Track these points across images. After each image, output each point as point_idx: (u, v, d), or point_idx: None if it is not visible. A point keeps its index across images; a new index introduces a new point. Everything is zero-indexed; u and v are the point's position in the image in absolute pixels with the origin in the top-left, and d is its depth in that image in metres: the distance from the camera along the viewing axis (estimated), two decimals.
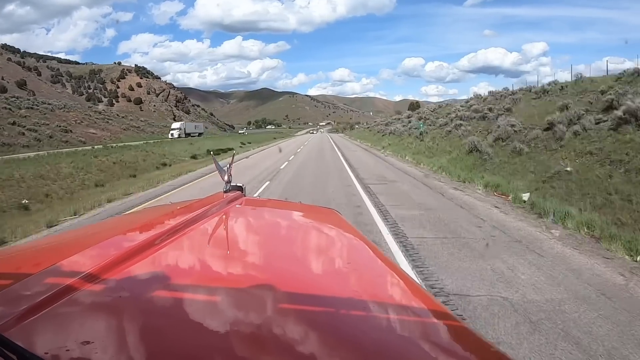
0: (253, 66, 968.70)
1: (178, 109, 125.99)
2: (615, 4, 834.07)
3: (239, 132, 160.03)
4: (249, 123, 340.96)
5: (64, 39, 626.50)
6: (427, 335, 0.63)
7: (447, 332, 0.66)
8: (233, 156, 1.89)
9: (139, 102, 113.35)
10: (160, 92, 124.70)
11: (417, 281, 2.52)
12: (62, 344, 0.48)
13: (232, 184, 1.44)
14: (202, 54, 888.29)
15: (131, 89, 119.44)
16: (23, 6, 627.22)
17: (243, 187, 1.50)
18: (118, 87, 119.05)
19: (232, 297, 0.65)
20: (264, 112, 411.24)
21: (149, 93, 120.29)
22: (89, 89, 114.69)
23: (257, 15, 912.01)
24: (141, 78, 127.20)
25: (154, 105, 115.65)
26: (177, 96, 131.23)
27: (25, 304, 0.50)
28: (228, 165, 1.53)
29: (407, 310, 0.70)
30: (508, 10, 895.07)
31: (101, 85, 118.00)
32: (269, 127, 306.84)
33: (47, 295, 0.52)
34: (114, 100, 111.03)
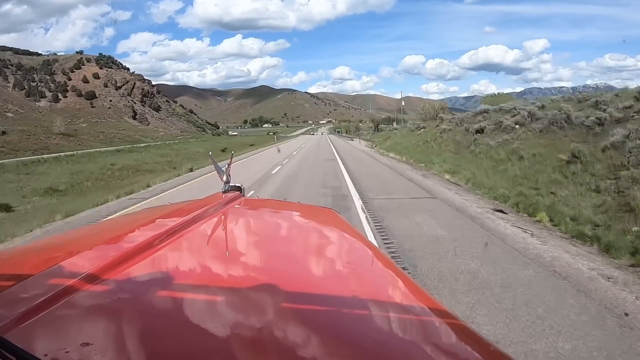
0: (253, 65, 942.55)
1: (144, 105, 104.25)
2: (615, 1, 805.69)
3: (230, 133, 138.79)
4: (245, 122, 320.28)
5: (62, 39, 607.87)
6: (426, 335, 0.63)
7: (446, 332, 0.65)
8: (232, 156, 1.92)
9: (91, 96, 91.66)
10: (123, 85, 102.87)
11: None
12: (62, 345, 0.48)
13: (230, 184, 1.43)
14: (202, 53, 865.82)
15: (85, 80, 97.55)
16: (20, 5, 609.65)
17: (242, 187, 1.49)
18: (69, 79, 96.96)
19: (231, 298, 0.65)
20: (262, 110, 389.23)
21: (106, 85, 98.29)
22: (33, 81, 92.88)
23: (256, 13, 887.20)
24: (101, 68, 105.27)
25: (110, 101, 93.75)
26: (143, 89, 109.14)
27: (24, 306, 0.50)
28: (227, 166, 1.52)
29: (406, 310, 0.69)
30: (508, 7, 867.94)
31: (48, 77, 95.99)
32: (265, 125, 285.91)
33: (47, 297, 0.52)
34: (60, 95, 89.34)
